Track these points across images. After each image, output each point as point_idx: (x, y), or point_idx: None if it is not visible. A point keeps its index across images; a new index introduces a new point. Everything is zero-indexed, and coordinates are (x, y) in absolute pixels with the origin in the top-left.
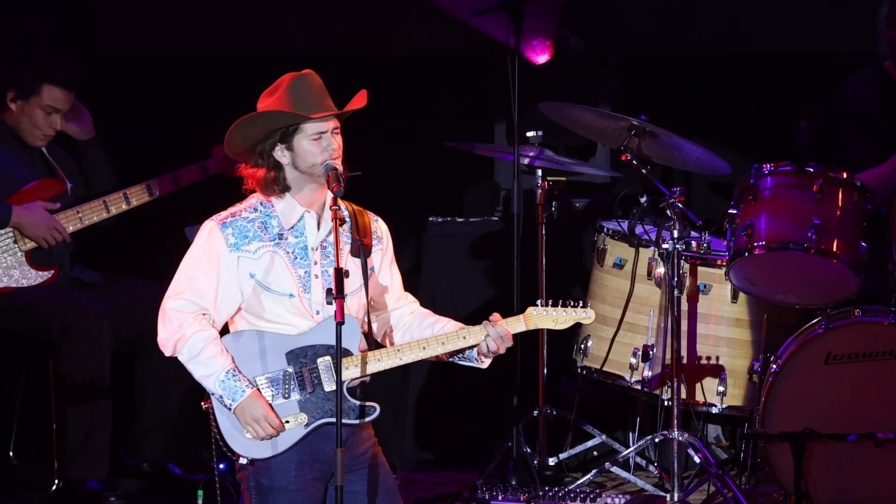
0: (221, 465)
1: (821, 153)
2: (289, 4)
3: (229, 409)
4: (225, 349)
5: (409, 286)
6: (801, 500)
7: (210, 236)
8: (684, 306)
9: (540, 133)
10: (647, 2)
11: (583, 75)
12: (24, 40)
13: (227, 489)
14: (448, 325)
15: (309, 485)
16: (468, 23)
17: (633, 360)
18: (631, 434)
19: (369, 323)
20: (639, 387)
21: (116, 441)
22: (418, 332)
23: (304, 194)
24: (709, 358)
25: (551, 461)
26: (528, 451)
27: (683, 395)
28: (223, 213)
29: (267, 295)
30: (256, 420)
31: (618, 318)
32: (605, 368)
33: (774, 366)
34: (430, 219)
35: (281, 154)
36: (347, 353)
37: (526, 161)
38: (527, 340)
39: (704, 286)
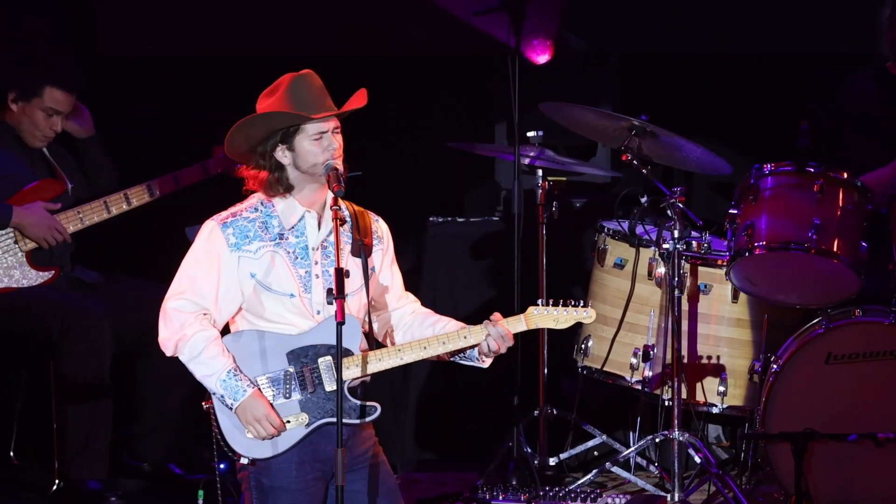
0: (222, 465)
1: (821, 153)
2: (289, 4)
3: (230, 408)
4: (226, 349)
5: (409, 286)
6: (802, 500)
7: (211, 236)
8: (685, 306)
9: (540, 133)
10: (648, 2)
11: (583, 75)
12: (24, 40)
13: (228, 489)
14: (449, 324)
15: (310, 485)
16: (468, 23)
17: (634, 360)
18: (631, 434)
19: (370, 323)
20: (639, 387)
21: (117, 441)
22: (419, 332)
23: (304, 194)
24: (709, 358)
25: (552, 461)
26: (529, 451)
27: (684, 395)
28: (224, 213)
29: (267, 295)
30: (258, 420)
31: (618, 318)
32: (605, 368)
33: (775, 366)
34: (431, 219)
35: (282, 154)
36: (348, 353)
37: (526, 161)
38: (527, 340)
39: (705, 286)
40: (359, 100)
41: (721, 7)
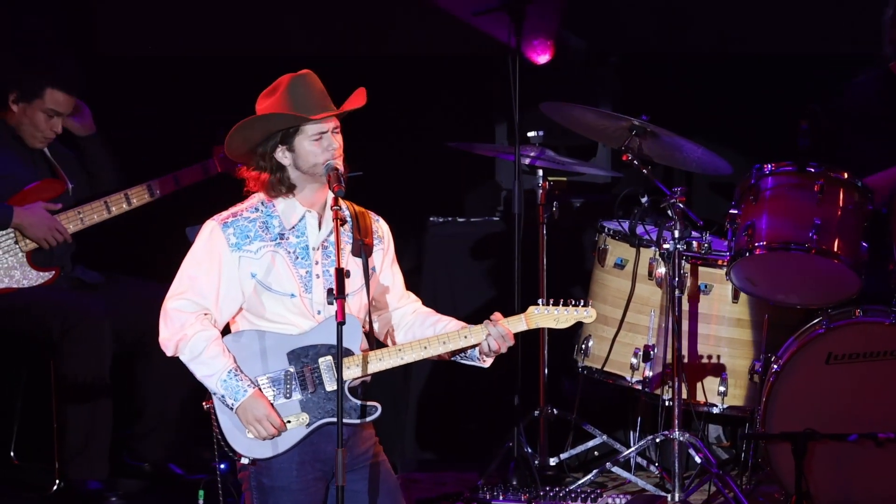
0: (223, 465)
1: (822, 153)
2: (289, 4)
3: (231, 408)
4: (226, 349)
5: (410, 286)
6: (802, 500)
7: (211, 236)
8: (685, 306)
9: (541, 133)
10: (648, 2)
11: (584, 75)
12: (24, 40)
13: (229, 489)
14: (450, 324)
15: (310, 484)
16: (469, 23)
17: (634, 360)
18: (632, 434)
19: (370, 322)
20: (640, 387)
21: (117, 441)
22: (420, 332)
23: (305, 194)
24: (710, 358)
25: (552, 461)
26: (529, 451)
27: (684, 396)
28: (224, 213)
29: (268, 295)
30: (258, 420)
31: (619, 318)
32: (606, 368)
33: (775, 366)
34: (431, 219)
35: (282, 155)
36: (349, 353)
37: (527, 161)
38: (528, 340)
39: (705, 286)
40: (358, 99)
41: (721, 7)
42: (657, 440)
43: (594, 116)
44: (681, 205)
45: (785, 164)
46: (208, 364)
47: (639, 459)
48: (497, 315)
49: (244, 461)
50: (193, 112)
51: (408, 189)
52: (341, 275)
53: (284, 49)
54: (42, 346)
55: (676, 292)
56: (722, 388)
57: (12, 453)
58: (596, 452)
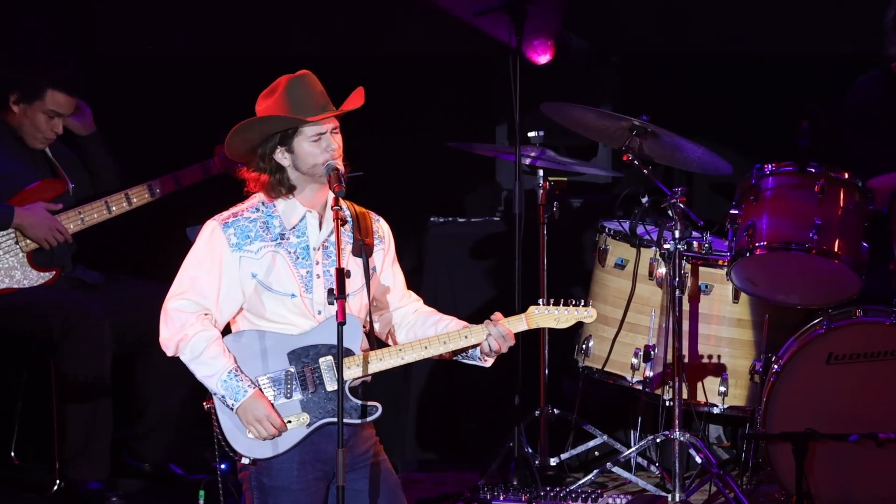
0: (223, 466)
1: (822, 153)
2: (289, 4)
3: (231, 409)
4: (227, 349)
5: (410, 286)
6: (803, 500)
7: (212, 236)
8: (686, 306)
9: (541, 133)
10: (648, 2)
11: (584, 75)
12: (24, 40)
13: (229, 489)
14: (451, 323)
15: (311, 484)
16: (469, 22)
17: (635, 361)
18: (632, 434)
19: (371, 322)
20: (640, 387)
21: (118, 441)
22: (422, 331)
23: (305, 195)
24: (710, 358)
25: (553, 461)
26: (530, 451)
27: (685, 396)
28: (225, 213)
29: (269, 295)
30: (259, 420)
31: (619, 318)
32: (606, 368)
33: (776, 366)
34: (432, 219)
35: (282, 156)
36: (349, 353)
37: (527, 161)
38: (528, 340)
39: (706, 286)
40: (356, 100)
41: (721, 7)
42: (658, 440)
43: (595, 116)
44: (681, 205)
45: (785, 165)
46: (209, 364)
47: (639, 459)
48: (497, 315)
49: (245, 461)
50: (193, 112)
51: (408, 189)
52: (342, 275)
53: (284, 49)
54: (42, 346)
55: (677, 292)
56: (722, 389)
57: (13, 453)
58: (596, 452)
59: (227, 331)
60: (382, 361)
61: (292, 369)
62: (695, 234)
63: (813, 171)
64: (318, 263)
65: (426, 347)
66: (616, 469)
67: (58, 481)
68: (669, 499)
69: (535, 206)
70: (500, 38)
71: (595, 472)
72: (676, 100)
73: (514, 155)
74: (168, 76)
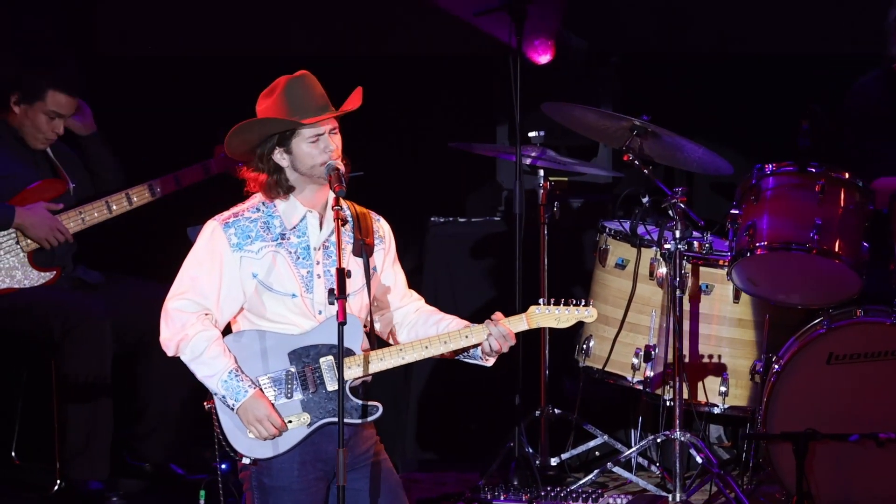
0: (223, 466)
1: (823, 153)
2: (289, 4)
3: (232, 409)
4: (227, 349)
5: (411, 286)
6: (804, 500)
7: (213, 236)
8: (686, 306)
9: (542, 133)
10: (649, 2)
11: (585, 75)
12: (25, 41)
13: (230, 489)
14: (452, 322)
15: (311, 484)
16: (469, 22)
17: (635, 361)
18: (633, 434)
19: (372, 322)
20: (641, 387)
21: (118, 441)
22: (423, 330)
23: (305, 195)
24: (711, 358)
25: (553, 461)
26: (530, 451)
27: (685, 396)
28: (225, 213)
29: (269, 295)
30: (259, 420)
31: (620, 318)
32: (607, 368)
33: (776, 366)
34: (432, 219)
35: (280, 157)
36: (350, 353)
37: (528, 161)
38: (529, 340)
39: (706, 286)
40: (354, 101)
41: (721, 7)
42: (658, 440)
43: (595, 116)
44: (682, 205)
45: (786, 165)
46: (209, 364)
47: (640, 459)
48: (498, 315)
49: (245, 461)
50: (193, 112)
51: (409, 189)
52: (342, 275)
53: (284, 49)
54: (43, 346)
55: (677, 292)
56: (723, 389)
57: (13, 453)
58: (597, 452)
59: (227, 331)
60: (383, 361)
61: (293, 369)
62: (695, 234)
63: (813, 171)
64: (318, 263)
65: (427, 347)
66: (617, 469)
67: (58, 481)
68: (670, 499)
69: (536, 206)
70: (501, 38)
71: (596, 472)
72: (677, 100)
73: (514, 155)
74: (168, 76)
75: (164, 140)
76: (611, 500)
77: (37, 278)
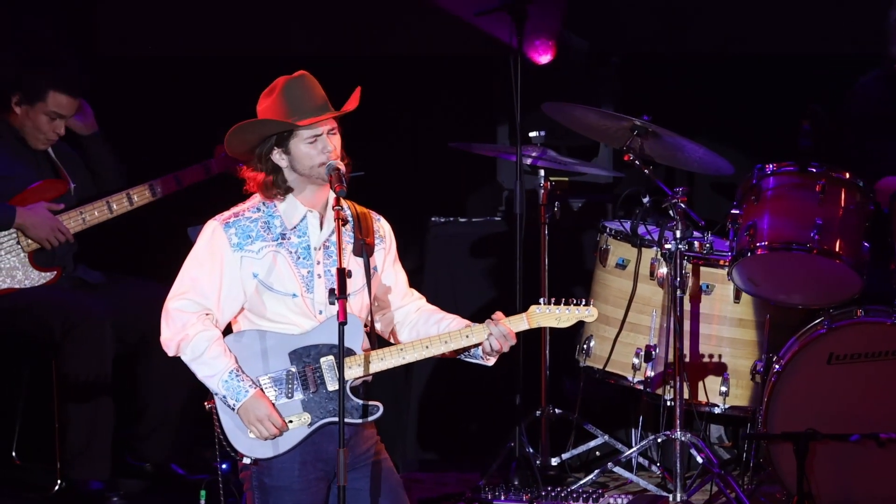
0: (224, 465)
1: (823, 153)
2: (289, 4)
3: (233, 409)
4: (228, 349)
5: (411, 286)
6: (804, 500)
7: (213, 236)
8: (687, 306)
9: (542, 133)
10: (649, 3)
11: (585, 75)
12: (27, 41)
13: (230, 489)
14: (453, 322)
15: (312, 484)
16: (470, 22)
17: (636, 361)
18: (634, 434)
19: (373, 322)
20: (641, 387)
21: (119, 441)
22: (424, 330)
23: (305, 195)
24: (711, 358)
25: (554, 461)
26: (531, 451)
27: (686, 396)
28: (226, 213)
29: (270, 295)
30: (260, 420)
31: (620, 318)
32: (607, 368)
33: (777, 366)
34: (433, 219)
35: (279, 157)
36: (350, 353)
37: (528, 161)
38: (529, 340)
39: (707, 286)
40: (352, 102)
41: (722, 8)
42: (659, 440)
43: (596, 116)
44: (682, 205)
45: (786, 164)
46: (210, 364)
47: (640, 459)
48: (499, 314)
49: (246, 461)
50: (194, 112)
51: (409, 189)
52: (343, 275)
53: (284, 49)
54: (44, 346)
55: (678, 292)
56: (724, 389)
57: (14, 453)
58: (598, 452)
59: (228, 331)
60: (384, 361)
61: (293, 369)
62: (696, 233)
63: (814, 171)
64: (319, 263)
65: (427, 347)
66: (617, 469)
67: (59, 481)
68: (670, 499)
69: (537, 206)
70: (501, 39)
71: (596, 471)
72: (677, 100)
73: (515, 155)
74: (168, 76)
75: (164, 140)
76: (611, 500)
77: (37, 278)
